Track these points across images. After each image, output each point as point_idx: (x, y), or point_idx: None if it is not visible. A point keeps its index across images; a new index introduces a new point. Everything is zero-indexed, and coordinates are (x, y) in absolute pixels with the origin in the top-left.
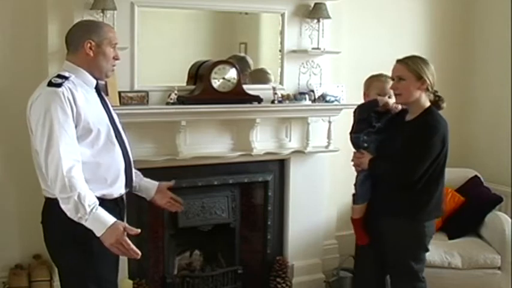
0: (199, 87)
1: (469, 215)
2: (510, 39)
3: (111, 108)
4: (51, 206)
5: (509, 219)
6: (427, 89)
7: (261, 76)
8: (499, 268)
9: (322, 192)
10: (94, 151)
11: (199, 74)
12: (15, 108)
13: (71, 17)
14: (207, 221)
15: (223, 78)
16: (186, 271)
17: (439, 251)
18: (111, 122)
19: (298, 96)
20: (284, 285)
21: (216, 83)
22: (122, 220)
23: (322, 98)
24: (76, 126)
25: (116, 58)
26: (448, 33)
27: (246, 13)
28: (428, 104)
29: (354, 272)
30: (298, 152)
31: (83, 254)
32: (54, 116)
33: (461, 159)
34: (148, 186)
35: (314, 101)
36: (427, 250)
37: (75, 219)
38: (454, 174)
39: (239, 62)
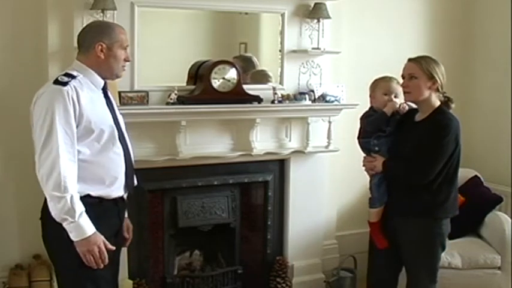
0: (199, 87)
1: (469, 215)
2: (510, 39)
3: (116, 110)
4: None
5: (509, 219)
6: (437, 89)
7: (261, 76)
8: (499, 268)
9: (322, 192)
10: (94, 151)
11: (199, 74)
12: (15, 109)
13: (71, 17)
14: (207, 221)
15: (223, 78)
16: (186, 271)
17: None
18: (116, 123)
19: (298, 96)
20: (284, 285)
21: (216, 83)
22: (121, 221)
23: (322, 98)
24: (77, 126)
25: (126, 60)
26: (448, 33)
27: (246, 13)
28: (438, 103)
29: (367, 271)
30: (298, 152)
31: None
32: (56, 113)
33: (461, 159)
34: None
35: (314, 101)
36: (444, 248)
37: (58, 218)
38: None
39: (245, 62)
